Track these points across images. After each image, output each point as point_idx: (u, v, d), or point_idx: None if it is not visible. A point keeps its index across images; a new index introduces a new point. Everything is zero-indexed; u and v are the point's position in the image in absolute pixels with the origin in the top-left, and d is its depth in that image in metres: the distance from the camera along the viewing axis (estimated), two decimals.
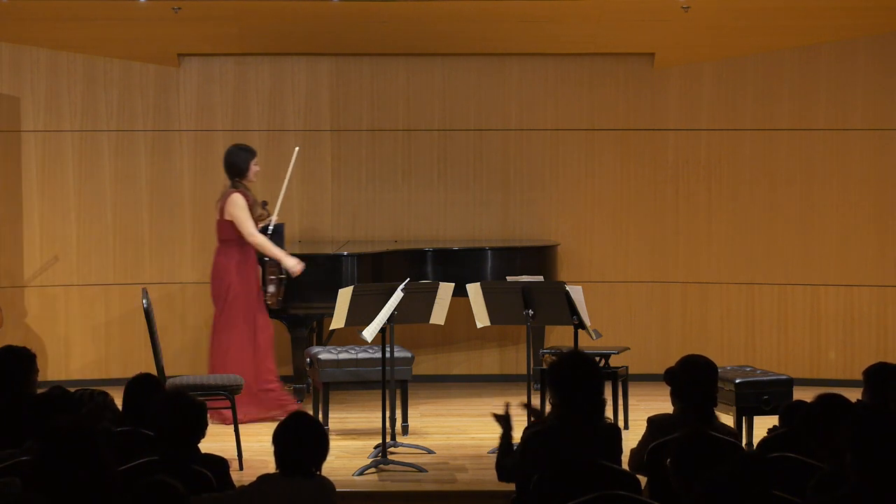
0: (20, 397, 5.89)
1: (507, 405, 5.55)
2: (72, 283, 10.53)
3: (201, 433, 5.15)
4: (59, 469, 4.02)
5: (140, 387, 5.77)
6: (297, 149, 9.53)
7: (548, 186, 11.02)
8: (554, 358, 7.77)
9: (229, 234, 9.11)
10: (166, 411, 5.09)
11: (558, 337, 10.47)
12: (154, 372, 8.27)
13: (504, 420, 5.52)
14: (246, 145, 9.33)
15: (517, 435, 5.54)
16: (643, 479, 5.23)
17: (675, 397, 5.73)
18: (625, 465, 5.24)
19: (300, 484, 4.75)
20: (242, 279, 9.08)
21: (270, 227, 9.26)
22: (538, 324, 8.59)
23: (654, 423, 5.78)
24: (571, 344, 8.45)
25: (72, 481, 4.01)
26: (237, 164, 9.18)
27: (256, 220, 9.17)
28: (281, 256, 9.15)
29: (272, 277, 9.22)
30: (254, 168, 9.20)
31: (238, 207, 9.07)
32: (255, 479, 4.89)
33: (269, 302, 9.20)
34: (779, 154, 10.79)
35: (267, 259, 9.20)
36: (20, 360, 6.15)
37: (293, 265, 9.15)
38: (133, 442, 5.31)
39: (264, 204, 9.38)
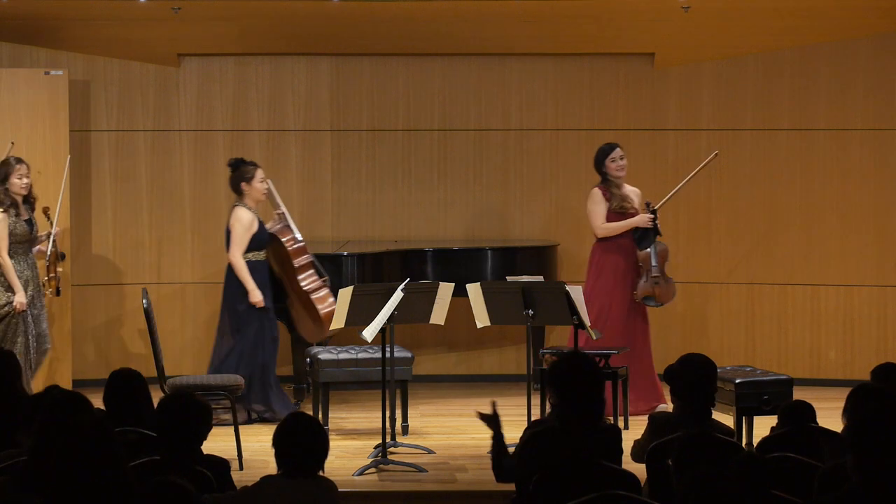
0: (11, 398, 5.89)
1: (494, 404, 5.55)
2: (72, 282, 10.52)
3: (205, 434, 5.13)
4: (76, 467, 3.99)
5: (121, 384, 5.72)
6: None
7: (548, 186, 11.02)
8: (554, 358, 7.78)
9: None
10: (172, 411, 5.08)
11: (558, 337, 10.47)
12: (154, 372, 8.31)
13: (492, 420, 5.50)
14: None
15: (508, 433, 5.55)
16: (643, 479, 5.24)
17: (675, 396, 5.75)
18: (625, 464, 5.24)
19: (302, 485, 4.75)
20: None
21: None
22: (538, 324, 8.59)
23: (655, 420, 5.80)
24: (571, 344, 8.45)
25: (90, 481, 3.98)
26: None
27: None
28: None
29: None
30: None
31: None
32: (255, 479, 4.89)
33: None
34: (779, 154, 10.79)
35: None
36: (7, 362, 6.17)
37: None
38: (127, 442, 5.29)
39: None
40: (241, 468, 7.73)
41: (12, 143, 9.61)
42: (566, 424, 5.22)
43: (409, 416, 8.84)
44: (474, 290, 8.17)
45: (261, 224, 9.19)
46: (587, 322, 8.10)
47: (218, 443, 7.44)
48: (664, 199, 9.55)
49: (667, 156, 10.98)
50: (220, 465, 5.15)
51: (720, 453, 4.51)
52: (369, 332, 7.86)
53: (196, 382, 8.23)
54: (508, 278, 8.61)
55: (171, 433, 5.04)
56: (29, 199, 9.18)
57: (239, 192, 9.17)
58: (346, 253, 9.78)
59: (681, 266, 10.89)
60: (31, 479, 4.49)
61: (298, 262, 9.25)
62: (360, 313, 7.85)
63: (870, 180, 10.71)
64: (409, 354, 8.75)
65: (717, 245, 10.90)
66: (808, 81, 10.78)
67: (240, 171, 9.18)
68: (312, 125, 10.98)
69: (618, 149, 9.40)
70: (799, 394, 7.16)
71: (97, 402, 5.46)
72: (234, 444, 7.86)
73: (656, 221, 9.40)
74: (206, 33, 10.57)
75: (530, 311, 8.02)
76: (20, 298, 8.94)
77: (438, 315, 8.08)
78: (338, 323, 7.91)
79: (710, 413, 5.72)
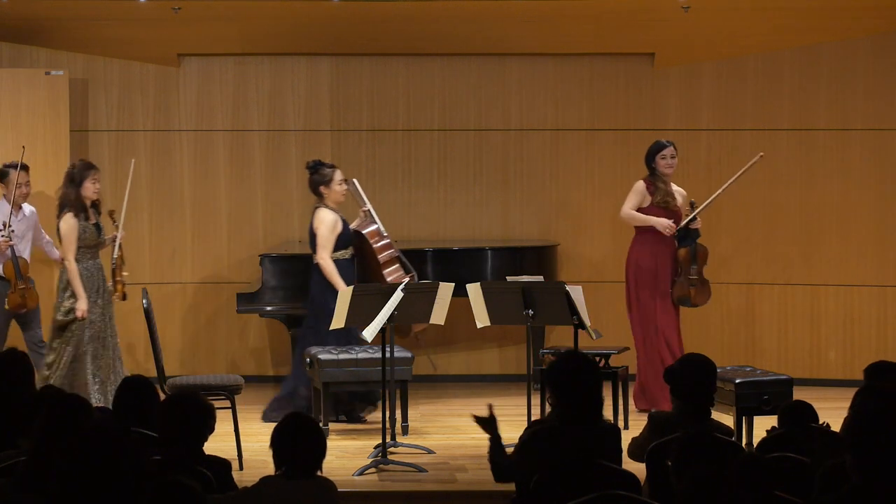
0: (14, 398, 5.88)
1: (490, 406, 5.55)
2: None
3: (207, 435, 5.12)
4: (91, 469, 3.97)
5: (131, 389, 5.73)
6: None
7: (548, 186, 11.02)
8: (554, 358, 7.78)
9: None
10: (174, 411, 5.07)
11: (558, 337, 10.47)
12: (154, 372, 8.32)
13: (487, 422, 5.50)
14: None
15: (508, 434, 5.54)
16: (643, 478, 5.24)
17: (675, 396, 5.75)
18: (625, 464, 5.24)
19: (302, 485, 4.75)
20: None
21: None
22: (538, 324, 8.59)
23: (655, 419, 5.81)
24: (571, 344, 8.45)
25: (108, 482, 3.97)
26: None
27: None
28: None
29: None
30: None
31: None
32: (255, 479, 4.88)
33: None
34: (779, 154, 10.78)
35: None
36: (14, 362, 6.15)
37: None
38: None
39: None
40: (241, 468, 7.73)
41: (24, 147, 9.54)
42: (566, 424, 5.22)
43: (408, 416, 8.83)
44: (474, 290, 8.17)
45: (344, 223, 9.19)
46: (587, 322, 8.09)
47: (218, 443, 7.43)
48: (708, 201, 9.51)
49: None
50: (221, 465, 5.15)
51: (720, 453, 4.50)
52: (369, 332, 7.86)
53: (196, 382, 8.22)
54: (508, 278, 8.60)
55: (173, 433, 5.04)
56: (96, 203, 9.12)
57: (319, 195, 9.17)
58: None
59: None
60: (32, 480, 4.49)
61: (384, 257, 9.25)
62: (360, 313, 7.85)
63: (870, 180, 10.72)
64: (409, 354, 8.74)
65: (716, 245, 10.89)
66: (808, 81, 10.78)
67: (318, 175, 9.16)
68: (312, 125, 10.98)
69: (670, 147, 9.41)
70: (799, 394, 7.16)
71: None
72: (235, 444, 7.86)
73: (697, 222, 9.38)
74: (206, 33, 10.57)
75: (530, 311, 8.02)
76: (82, 305, 8.85)
77: (438, 315, 8.08)
78: (338, 323, 7.91)
79: (710, 413, 5.73)
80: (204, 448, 5.16)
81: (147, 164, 10.88)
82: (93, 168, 9.04)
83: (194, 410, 5.08)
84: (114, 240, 9.12)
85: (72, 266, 8.89)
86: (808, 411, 5.75)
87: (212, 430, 5.12)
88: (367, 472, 7.69)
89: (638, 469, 5.24)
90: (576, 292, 8.06)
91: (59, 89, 10.28)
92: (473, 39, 10.73)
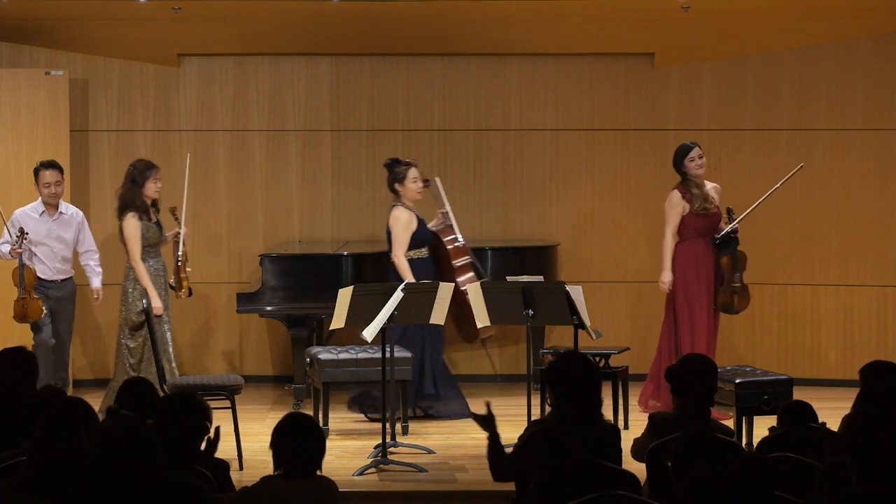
0: (18, 397, 5.88)
1: (488, 404, 5.55)
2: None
3: (203, 435, 5.12)
4: (113, 467, 3.96)
5: (133, 389, 5.73)
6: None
7: (548, 186, 11.02)
8: (554, 358, 7.77)
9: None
10: (172, 411, 5.07)
11: (558, 337, 10.47)
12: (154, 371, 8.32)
13: (486, 420, 5.50)
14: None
15: (508, 434, 5.54)
16: (643, 479, 5.24)
17: (676, 396, 5.76)
18: (625, 464, 5.24)
19: (302, 485, 4.75)
20: None
21: None
22: (538, 324, 8.59)
23: (655, 419, 5.81)
24: (571, 344, 8.45)
25: (128, 480, 3.96)
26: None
27: None
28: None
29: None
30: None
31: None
32: (255, 479, 4.88)
33: None
34: (779, 154, 10.78)
35: None
36: (17, 361, 6.14)
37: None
38: None
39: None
40: (240, 468, 7.73)
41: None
42: (566, 424, 5.22)
43: (409, 416, 8.83)
44: (474, 290, 8.17)
45: (420, 221, 9.20)
46: (587, 322, 8.09)
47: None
48: (748, 210, 9.47)
49: (667, 156, 10.94)
50: (220, 466, 5.15)
51: (720, 453, 4.50)
52: (369, 333, 7.85)
53: (196, 382, 8.22)
54: (508, 278, 8.60)
55: (171, 433, 5.03)
56: (155, 202, 9.11)
57: (395, 192, 9.17)
58: (345, 253, 9.79)
59: None
60: (32, 480, 4.49)
61: (458, 262, 9.26)
62: (360, 313, 7.85)
63: (870, 180, 10.72)
64: (409, 354, 8.74)
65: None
66: (808, 81, 10.78)
67: (394, 172, 9.18)
68: (312, 125, 10.98)
69: (696, 148, 9.35)
70: (799, 394, 7.16)
71: (95, 402, 5.47)
72: (234, 444, 7.86)
73: (736, 230, 9.33)
74: (206, 33, 10.57)
75: (530, 311, 8.02)
76: (157, 303, 8.85)
77: (438, 315, 8.08)
78: (338, 323, 7.91)
79: (710, 413, 5.73)
80: (200, 447, 5.16)
81: None
82: (153, 167, 9.07)
83: (191, 410, 5.08)
84: (176, 236, 9.10)
85: (139, 266, 8.94)
86: (808, 411, 5.76)
87: (207, 430, 5.11)
88: (367, 472, 7.70)
89: (638, 469, 5.24)
90: (576, 292, 8.06)
91: (59, 89, 10.28)
92: (473, 39, 10.73)
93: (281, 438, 4.81)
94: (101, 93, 10.81)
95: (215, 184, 10.91)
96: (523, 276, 8.74)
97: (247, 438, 8.05)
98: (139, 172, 9.01)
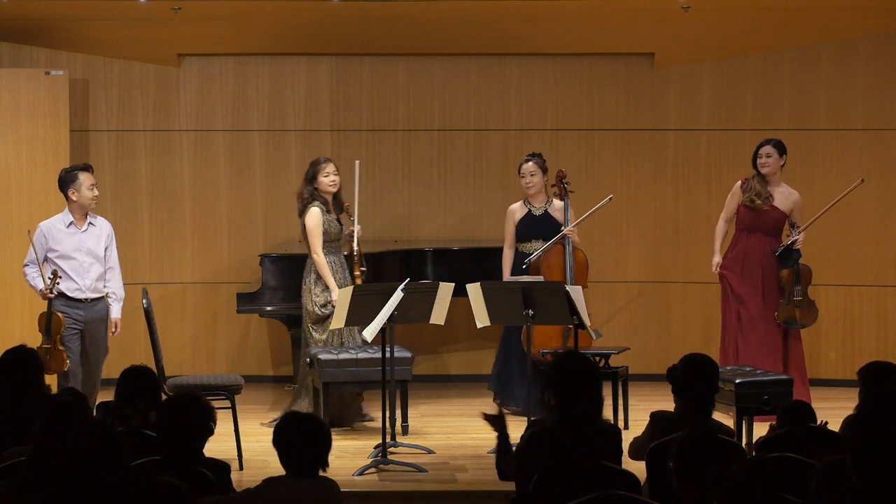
0: (26, 395, 5.88)
1: (499, 404, 5.56)
2: None
3: (207, 436, 5.12)
4: (79, 468, 3.98)
5: (133, 379, 5.72)
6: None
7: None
8: (553, 358, 7.77)
9: None
10: (174, 411, 5.07)
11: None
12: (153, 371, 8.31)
13: (496, 420, 5.51)
14: None
15: (513, 434, 5.55)
16: (643, 478, 5.24)
17: (677, 395, 5.76)
18: (625, 464, 5.24)
19: (304, 485, 4.75)
20: None
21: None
22: (538, 324, 8.58)
23: (656, 418, 5.82)
24: (571, 344, 8.45)
25: (92, 481, 3.97)
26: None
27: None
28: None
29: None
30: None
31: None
32: (255, 479, 4.88)
33: None
34: None
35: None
36: (25, 359, 6.12)
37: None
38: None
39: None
40: (241, 468, 7.73)
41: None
42: (566, 424, 5.22)
43: (408, 416, 8.83)
44: (474, 290, 8.17)
45: (527, 214, 9.41)
46: (587, 322, 8.09)
47: (218, 443, 7.44)
48: (809, 222, 9.43)
49: (666, 156, 10.99)
50: (221, 468, 5.14)
51: (720, 453, 4.50)
52: (369, 332, 7.86)
53: (196, 382, 8.22)
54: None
55: (173, 433, 5.03)
56: (338, 198, 9.05)
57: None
58: (345, 253, 9.78)
59: (681, 267, 10.91)
60: (32, 480, 4.49)
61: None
62: (360, 313, 7.85)
63: (870, 180, 10.70)
64: (409, 354, 8.74)
65: None
66: (808, 81, 10.78)
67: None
68: (312, 125, 10.98)
69: (766, 146, 9.36)
70: (799, 394, 7.16)
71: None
72: (235, 444, 7.86)
73: (799, 242, 9.28)
74: (206, 33, 10.57)
75: (530, 311, 8.02)
76: (336, 296, 8.72)
77: (438, 315, 8.08)
78: (338, 323, 7.91)
79: (711, 412, 5.74)
80: (204, 449, 5.16)
81: (147, 164, 10.87)
82: (320, 161, 9.05)
83: (195, 411, 5.08)
84: (351, 235, 9.03)
85: (320, 259, 8.91)
86: (808, 411, 5.76)
87: (211, 432, 5.11)
88: (367, 472, 7.70)
89: (638, 469, 5.25)
90: (576, 292, 8.06)
91: (59, 89, 10.28)
92: (473, 39, 10.73)
93: (284, 439, 4.81)
94: (101, 93, 10.81)
95: (215, 184, 10.91)
96: (523, 277, 8.76)
97: (247, 438, 8.05)
98: (310, 169, 9.05)
